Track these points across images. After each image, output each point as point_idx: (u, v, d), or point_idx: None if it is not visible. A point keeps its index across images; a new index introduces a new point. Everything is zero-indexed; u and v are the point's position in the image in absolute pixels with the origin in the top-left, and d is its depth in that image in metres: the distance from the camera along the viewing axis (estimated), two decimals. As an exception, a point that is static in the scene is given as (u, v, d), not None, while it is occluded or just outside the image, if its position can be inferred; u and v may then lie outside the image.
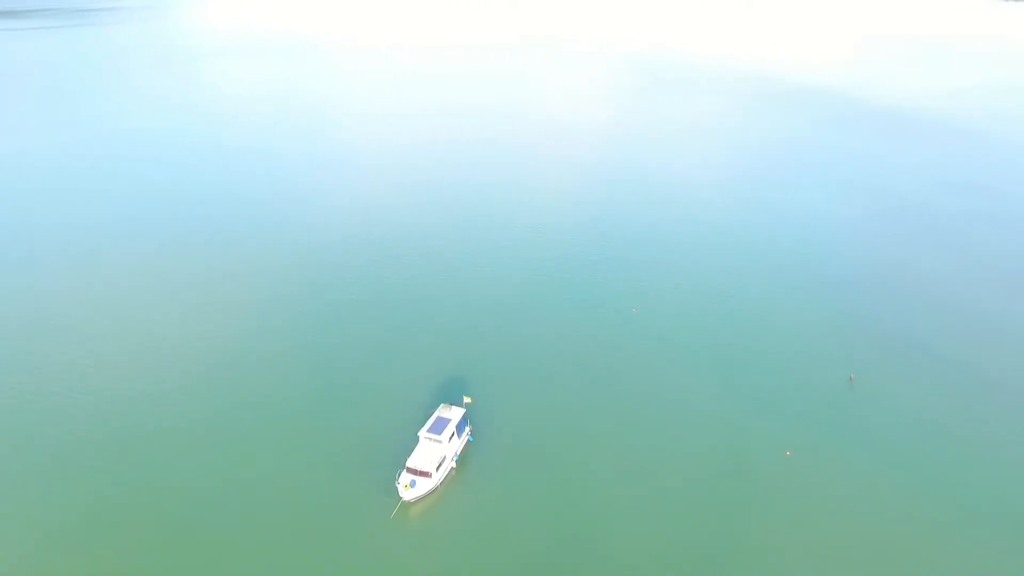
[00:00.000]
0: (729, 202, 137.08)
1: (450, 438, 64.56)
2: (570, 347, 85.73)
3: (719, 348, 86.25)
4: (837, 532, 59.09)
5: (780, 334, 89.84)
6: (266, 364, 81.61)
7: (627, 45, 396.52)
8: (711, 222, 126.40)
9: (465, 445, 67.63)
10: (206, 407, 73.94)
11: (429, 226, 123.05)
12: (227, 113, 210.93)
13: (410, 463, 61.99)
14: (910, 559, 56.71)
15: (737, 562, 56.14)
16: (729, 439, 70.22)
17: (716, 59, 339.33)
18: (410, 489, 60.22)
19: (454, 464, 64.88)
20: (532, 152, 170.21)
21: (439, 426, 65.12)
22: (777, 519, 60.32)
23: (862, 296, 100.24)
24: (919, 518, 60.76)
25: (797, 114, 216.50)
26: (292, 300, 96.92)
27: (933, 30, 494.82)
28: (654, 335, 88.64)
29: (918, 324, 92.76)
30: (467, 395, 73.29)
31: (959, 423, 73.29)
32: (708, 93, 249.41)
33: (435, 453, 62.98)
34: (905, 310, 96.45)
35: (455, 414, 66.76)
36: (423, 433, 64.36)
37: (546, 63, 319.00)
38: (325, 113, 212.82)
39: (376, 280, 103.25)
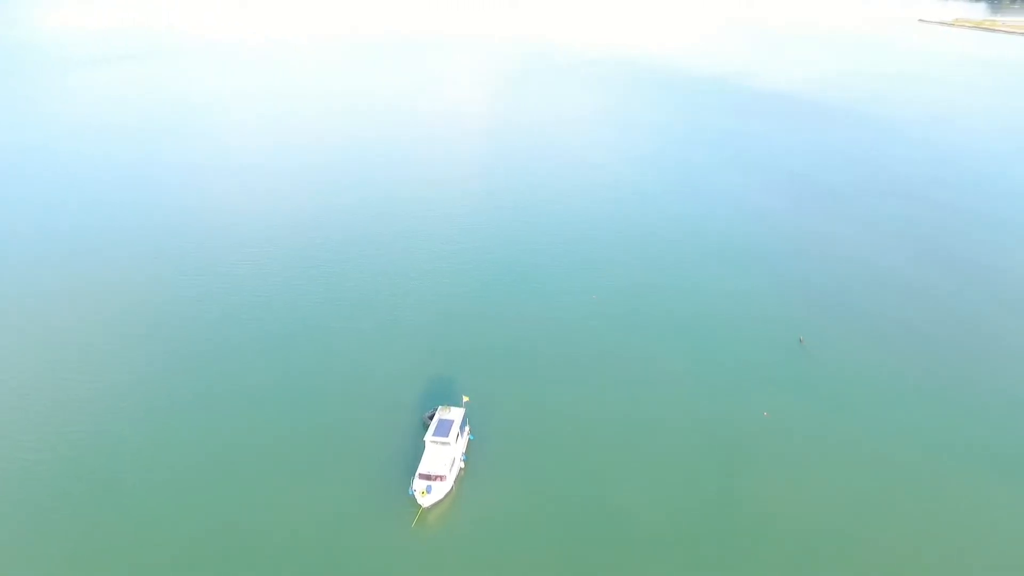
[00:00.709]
0: (655, 187, 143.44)
1: (456, 439, 63.68)
2: (542, 333, 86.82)
3: (680, 324, 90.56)
4: (821, 482, 64.34)
5: (731, 304, 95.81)
6: (247, 377, 76.23)
7: (522, 38, 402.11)
8: (642, 207, 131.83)
9: (467, 444, 66.90)
10: (192, 426, 68.23)
11: (381, 230, 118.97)
12: (118, 124, 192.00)
13: (422, 469, 60.49)
14: (875, 497, 62.90)
15: (743, 528, 59.27)
16: (712, 408, 74.31)
17: (607, 50, 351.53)
18: (427, 495, 58.84)
19: (463, 464, 64.08)
20: (449, 149, 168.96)
21: (444, 428, 63.98)
22: (768, 479, 64.56)
23: (790, 263, 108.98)
24: (879, 460, 67.13)
25: (696, 101, 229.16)
26: (259, 311, 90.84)
27: (803, 19, 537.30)
28: (620, 318, 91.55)
29: (847, 286, 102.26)
30: (464, 394, 72.24)
31: (899, 373, 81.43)
32: (604, 84, 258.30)
33: (445, 455, 61.87)
34: (832, 274, 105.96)
35: (456, 414, 65.85)
36: (429, 438, 62.97)
37: (439, 57, 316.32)
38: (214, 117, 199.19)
39: (349, 288, 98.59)
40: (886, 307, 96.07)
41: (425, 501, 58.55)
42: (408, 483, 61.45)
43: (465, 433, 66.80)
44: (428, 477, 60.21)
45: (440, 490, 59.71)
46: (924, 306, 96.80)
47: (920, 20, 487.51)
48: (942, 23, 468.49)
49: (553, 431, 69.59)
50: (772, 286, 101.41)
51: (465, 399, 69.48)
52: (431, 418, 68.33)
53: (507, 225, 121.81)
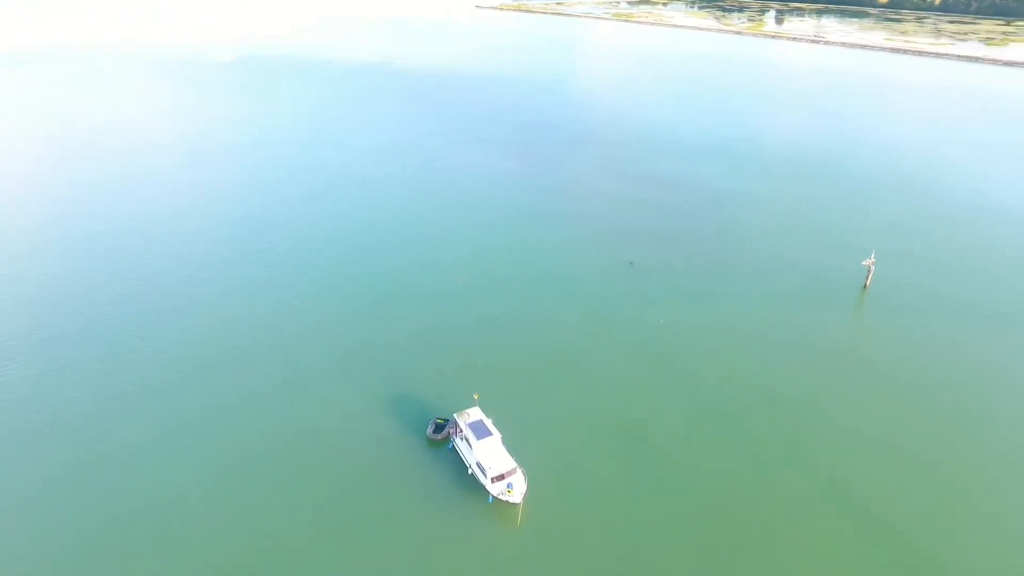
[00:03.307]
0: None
1: (494, 433, 64.37)
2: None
3: (542, 279, 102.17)
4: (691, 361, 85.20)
5: (584, 252, 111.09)
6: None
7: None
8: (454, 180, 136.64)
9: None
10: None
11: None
12: None
13: (493, 471, 60.42)
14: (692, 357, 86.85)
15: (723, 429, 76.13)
16: (615, 318, 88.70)
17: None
18: (514, 492, 59.46)
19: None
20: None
21: (481, 428, 64.20)
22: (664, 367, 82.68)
23: (611, 214, 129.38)
24: (699, 344, 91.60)
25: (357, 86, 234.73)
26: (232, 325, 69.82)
27: (378, 14, 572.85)
28: (491, 289, 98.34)
29: (657, 224, 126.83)
30: (474, 392, 71.69)
31: (697, 279, 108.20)
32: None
33: (500, 450, 62.70)
34: (644, 217, 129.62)
35: (477, 414, 66.07)
36: (479, 444, 62.53)
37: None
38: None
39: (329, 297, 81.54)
40: (680, 236, 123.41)
41: (516, 497, 59.20)
42: (489, 490, 60.93)
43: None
44: (502, 476, 60.50)
45: (521, 482, 60.83)
46: (701, 229, 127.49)
47: (477, 7, 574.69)
48: (493, 7, 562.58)
49: (555, 418, 73.72)
50: (606, 231, 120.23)
51: (476, 396, 69.33)
52: (438, 427, 67.85)
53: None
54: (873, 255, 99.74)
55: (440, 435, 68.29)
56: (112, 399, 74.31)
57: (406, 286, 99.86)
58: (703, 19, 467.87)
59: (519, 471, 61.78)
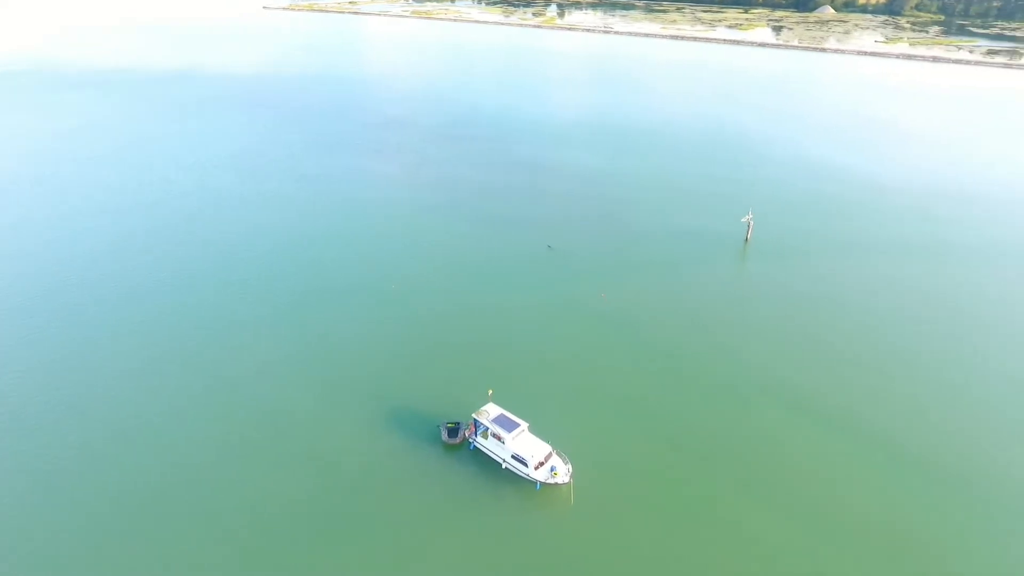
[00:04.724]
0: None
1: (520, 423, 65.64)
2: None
3: (478, 268, 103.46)
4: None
5: (511, 240, 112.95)
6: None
7: None
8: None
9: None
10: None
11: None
12: None
13: (536, 459, 61.93)
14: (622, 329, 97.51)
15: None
16: (554, 298, 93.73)
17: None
18: (559, 473, 61.54)
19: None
20: None
21: (507, 423, 65.11)
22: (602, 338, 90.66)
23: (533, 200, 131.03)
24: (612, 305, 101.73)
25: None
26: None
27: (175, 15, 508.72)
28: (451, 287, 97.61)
29: (566, 211, 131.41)
30: (489, 388, 71.70)
31: (608, 256, 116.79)
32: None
33: (534, 437, 64.31)
34: (556, 206, 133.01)
35: (496, 409, 66.74)
36: (511, 436, 63.34)
37: None
38: None
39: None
40: (576, 217, 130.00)
41: (564, 478, 61.31)
42: (536, 477, 62.14)
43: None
44: (543, 462, 62.22)
45: (564, 463, 62.84)
46: (592, 209, 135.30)
47: (264, 7, 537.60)
48: (282, 8, 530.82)
49: (562, 404, 76.88)
50: (508, 219, 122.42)
51: (490, 392, 69.27)
52: (451, 431, 67.59)
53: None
54: (750, 212, 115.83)
55: (456, 439, 67.56)
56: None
57: (340, 302, 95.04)
58: (498, 14, 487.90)
59: (554, 453, 63.85)
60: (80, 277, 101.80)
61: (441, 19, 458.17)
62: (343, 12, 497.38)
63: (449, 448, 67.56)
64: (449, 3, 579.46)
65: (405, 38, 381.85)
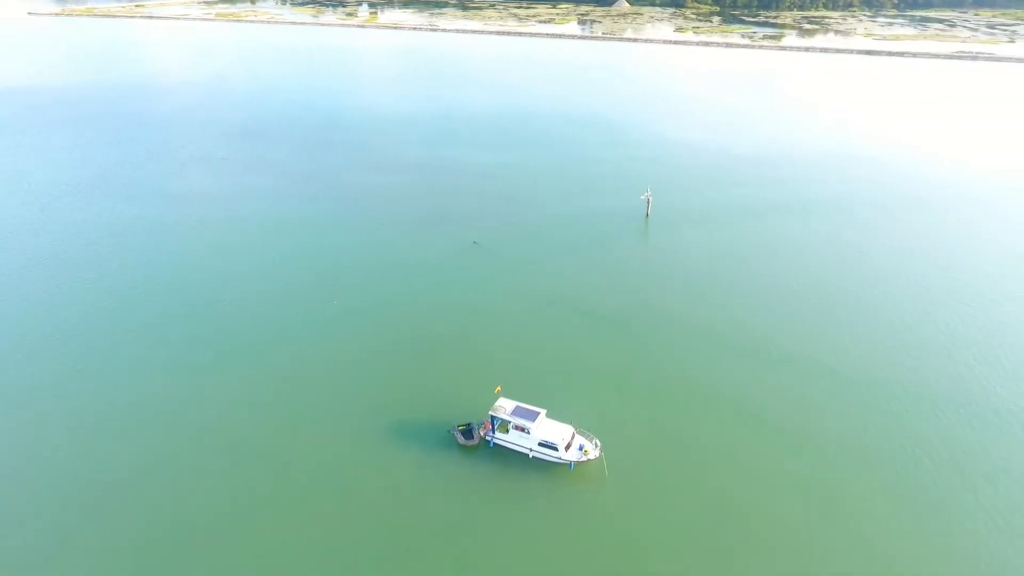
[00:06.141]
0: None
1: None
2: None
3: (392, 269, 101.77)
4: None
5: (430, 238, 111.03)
6: None
7: None
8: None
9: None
10: None
11: None
12: None
13: (565, 440, 64.49)
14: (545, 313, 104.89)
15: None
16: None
17: None
18: (589, 450, 64.35)
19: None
20: None
21: (527, 413, 66.71)
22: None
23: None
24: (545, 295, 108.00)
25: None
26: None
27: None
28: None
29: (488, 207, 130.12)
30: (497, 384, 71.74)
31: (535, 244, 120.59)
32: None
33: (556, 423, 66.48)
34: (480, 204, 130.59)
35: (510, 403, 67.96)
36: (536, 425, 65.06)
37: None
38: None
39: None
40: (485, 211, 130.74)
41: (595, 452, 64.41)
42: (568, 457, 64.28)
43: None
44: (571, 441, 64.83)
45: (589, 440, 65.69)
46: (497, 203, 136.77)
47: (29, 13, 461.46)
48: (51, 14, 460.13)
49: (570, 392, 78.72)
50: (420, 220, 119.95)
51: (498, 389, 69.42)
52: (466, 433, 67.93)
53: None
54: (648, 190, 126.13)
55: (473, 440, 67.47)
56: None
57: (291, 334, 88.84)
58: (309, 15, 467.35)
59: (575, 432, 66.40)
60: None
61: (253, 21, 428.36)
62: (132, 17, 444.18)
63: (467, 450, 67.29)
64: (249, 4, 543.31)
65: (217, 43, 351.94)
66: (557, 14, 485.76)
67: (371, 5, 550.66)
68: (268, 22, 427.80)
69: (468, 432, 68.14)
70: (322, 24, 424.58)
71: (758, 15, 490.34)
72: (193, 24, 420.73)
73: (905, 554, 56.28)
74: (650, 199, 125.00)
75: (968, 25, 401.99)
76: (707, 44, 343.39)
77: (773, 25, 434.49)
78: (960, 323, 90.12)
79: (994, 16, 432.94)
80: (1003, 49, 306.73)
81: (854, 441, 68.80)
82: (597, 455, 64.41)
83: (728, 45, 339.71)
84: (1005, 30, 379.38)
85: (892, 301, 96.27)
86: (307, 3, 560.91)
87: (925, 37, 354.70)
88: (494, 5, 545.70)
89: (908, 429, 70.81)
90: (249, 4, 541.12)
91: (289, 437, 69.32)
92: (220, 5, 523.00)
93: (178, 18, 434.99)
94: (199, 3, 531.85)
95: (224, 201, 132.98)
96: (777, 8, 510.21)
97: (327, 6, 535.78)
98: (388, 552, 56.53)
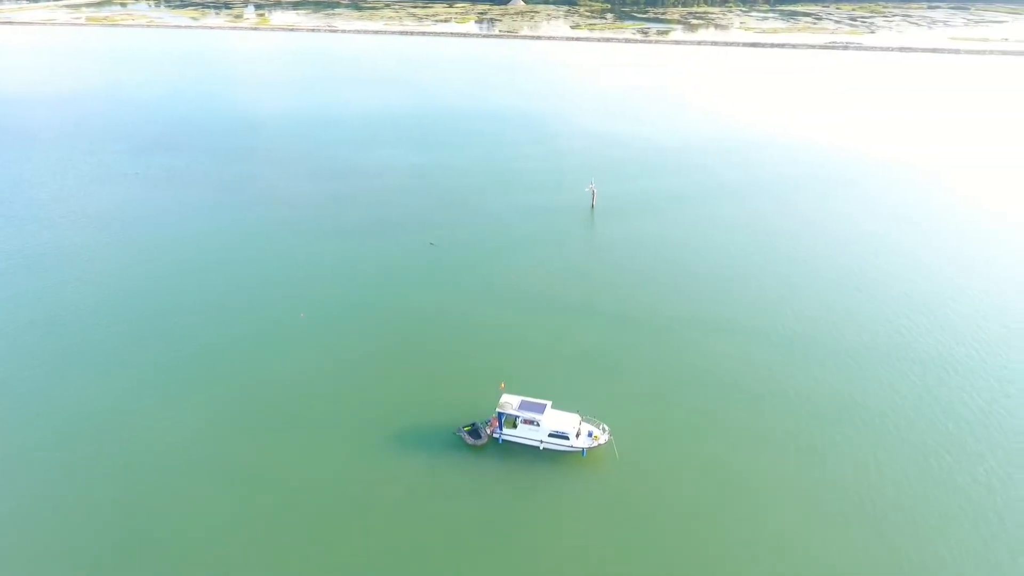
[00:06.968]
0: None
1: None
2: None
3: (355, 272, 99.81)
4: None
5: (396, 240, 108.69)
6: None
7: None
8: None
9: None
10: None
11: None
12: None
13: (574, 429, 66.20)
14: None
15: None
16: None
17: None
18: (601, 435, 66.40)
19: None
20: None
21: (534, 406, 68.04)
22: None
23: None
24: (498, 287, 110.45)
25: None
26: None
27: None
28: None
29: (447, 207, 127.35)
30: (501, 381, 72.07)
31: (487, 240, 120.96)
32: None
33: (559, 413, 68.12)
34: (438, 205, 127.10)
35: (515, 398, 68.78)
36: (544, 416, 66.37)
37: None
38: None
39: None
40: (434, 213, 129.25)
41: (605, 436, 66.56)
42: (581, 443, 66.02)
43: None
44: (580, 430, 66.52)
45: (598, 425, 67.61)
46: (445, 204, 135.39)
47: None
48: None
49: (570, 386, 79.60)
50: (369, 225, 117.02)
51: (502, 386, 69.70)
52: (473, 433, 68.32)
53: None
54: (592, 182, 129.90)
55: (481, 439, 67.72)
56: None
57: (273, 350, 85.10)
58: (190, 17, 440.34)
59: (581, 419, 68.17)
60: None
61: (131, 26, 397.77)
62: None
63: (476, 450, 67.45)
64: (120, 7, 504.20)
65: (95, 50, 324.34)
66: (455, 13, 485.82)
67: (257, 6, 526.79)
68: (147, 26, 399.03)
69: (475, 432, 68.27)
70: (210, 27, 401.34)
71: (647, 11, 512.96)
72: (62, 29, 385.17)
73: (912, 542, 57.58)
74: (595, 191, 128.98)
75: (832, 18, 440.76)
76: (607, 40, 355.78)
77: (662, 21, 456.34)
78: (880, 286, 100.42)
79: (853, 9, 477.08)
80: (868, 39, 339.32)
81: (829, 393, 75.18)
82: (607, 439, 66.52)
83: (626, 40, 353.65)
84: (864, 21, 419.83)
85: (829, 268, 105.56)
86: (185, 5, 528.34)
87: (798, 30, 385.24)
88: (390, 5, 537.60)
89: (921, 394, 77.94)
90: (120, 7, 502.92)
91: (291, 457, 66.61)
92: (87, 9, 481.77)
93: (43, 23, 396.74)
94: (63, 7, 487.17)
95: (147, 220, 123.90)
96: (663, 5, 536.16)
97: (209, 8, 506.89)
98: (412, 561, 55.90)
